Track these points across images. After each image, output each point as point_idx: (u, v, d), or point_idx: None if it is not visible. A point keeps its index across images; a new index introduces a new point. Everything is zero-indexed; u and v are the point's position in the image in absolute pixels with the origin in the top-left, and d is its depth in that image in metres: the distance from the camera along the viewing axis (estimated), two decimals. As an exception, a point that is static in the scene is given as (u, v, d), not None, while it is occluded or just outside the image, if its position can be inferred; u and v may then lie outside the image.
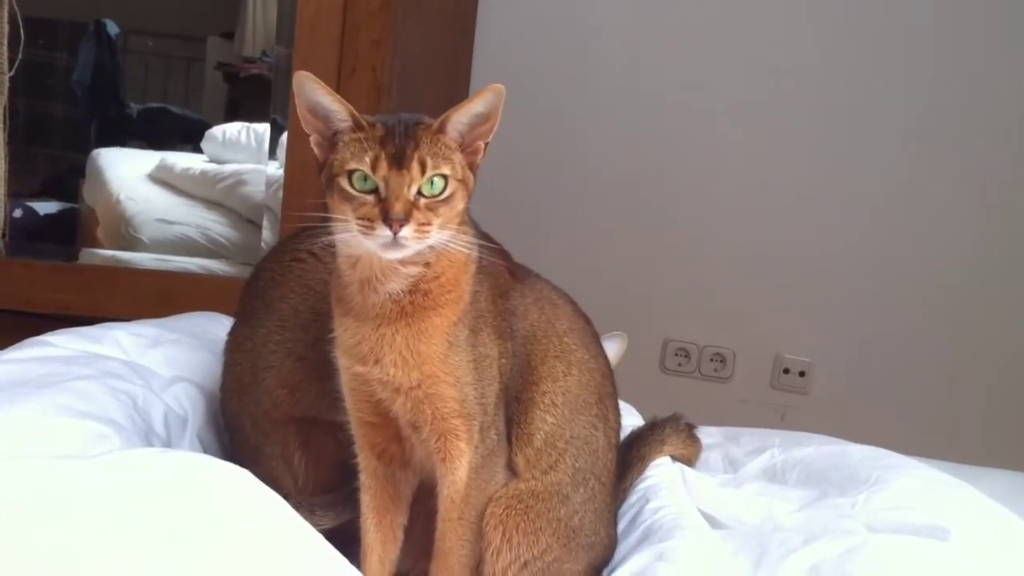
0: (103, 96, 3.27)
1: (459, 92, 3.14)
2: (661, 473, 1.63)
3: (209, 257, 2.93)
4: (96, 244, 3.07)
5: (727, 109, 3.24)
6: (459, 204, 1.23)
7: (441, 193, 1.20)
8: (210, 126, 3.18)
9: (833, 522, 1.50)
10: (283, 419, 1.53)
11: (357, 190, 1.19)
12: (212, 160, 3.12)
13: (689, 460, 1.76)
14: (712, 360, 3.32)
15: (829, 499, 1.59)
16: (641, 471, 1.64)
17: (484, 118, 1.24)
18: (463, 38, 3.24)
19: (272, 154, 2.82)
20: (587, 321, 1.52)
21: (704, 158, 3.27)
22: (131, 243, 2.96)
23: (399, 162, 1.18)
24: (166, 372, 1.67)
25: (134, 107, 3.31)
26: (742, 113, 3.24)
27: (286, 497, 1.21)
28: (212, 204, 3.07)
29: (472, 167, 1.26)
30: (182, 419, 1.58)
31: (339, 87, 2.49)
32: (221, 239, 2.98)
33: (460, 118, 1.23)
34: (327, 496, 1.49)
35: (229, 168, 3.06)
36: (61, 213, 3.22)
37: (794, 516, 1.56)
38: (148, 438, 1.46)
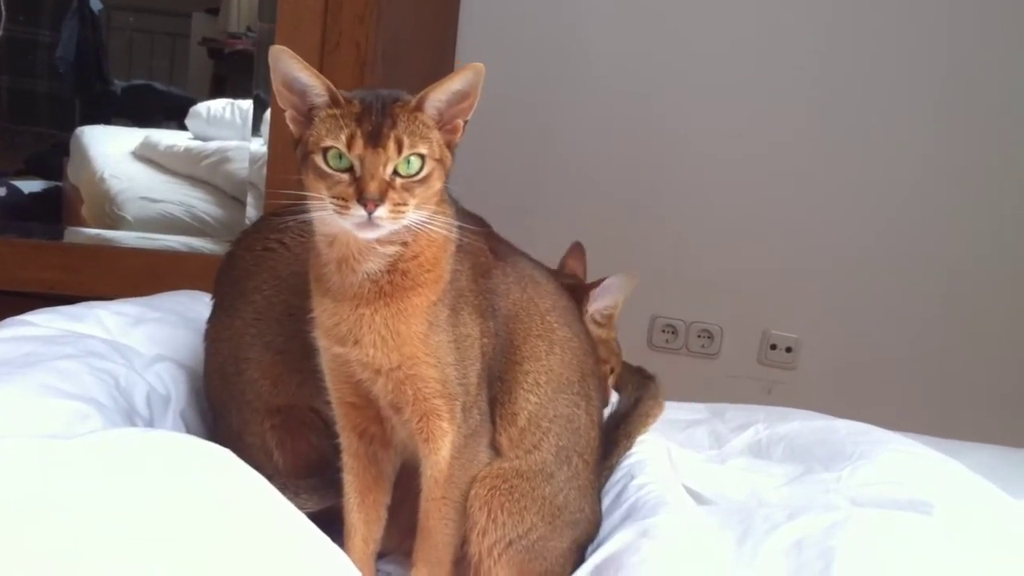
0: (87, 73, 3.24)
1: (444, 67, 3.12)
2: (646, 450, 1.63)
3: (193, 235, 2.91)
4: (81, 223, 3.04)
5: (714, 88, 3.23)
6: (436, 184, 1.21)
7: (418, 173, 1.18)
8: (195, 103, 3.15)
9: (817, 497, 1.51)
10: (263, 409, 1.53)
11: (332, 168, 1.17)
12: (197, 137, 3.10)
13: None
14: (699, 336, 3.33)
15: (814, 474, 1.59)
16: (627, 448, 1.65)
17: (463, 96, 1.22)
18: (448, 13, 3.22)
19: (256, 130, 2.80)
20: (569, 299, 1.51)
21: (691, 135, 3.26)
22: (115, 221, 2.94)
23: (375, 140, 1.16)
24: (149, 351, 1.67)
25: (118, 84, 3.28)
26: (729, 92, 3.22)
27: (270, 479, 1.21)
28: (197, 181, 3.05)
29: (450, 145, 1.24)
30: (164, 398, 1.58)
31: (322, 62, 2.47)
32: (206, 216, 2.96)
33: (439, 96, 1.21)
34: (311, 480, 1.49)
35: (213, 145, 3.04)
36: (46, 192, 3.20)
37: (779, 491, 1.56)
38: (130, 417, 1.46)
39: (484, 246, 1.39)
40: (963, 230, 3.22)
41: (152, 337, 1.72)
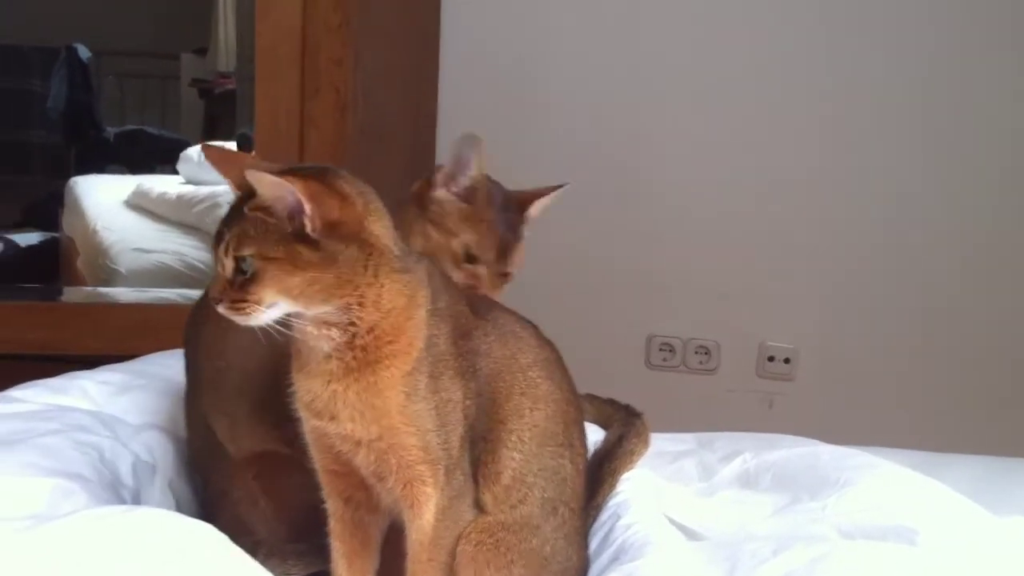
0: (79, 122, 3.27)
1: (426, 107, 3.10)
2: (632, 488, 1.63)
3: (187, 285, 2.91)
4: (77, 275, 3.07)
5: (707, 103, 3.22)
6: (282, 281, 1.16)
7: (246, 272, 1.16)
8: (189, 145, 3.18)
9: (804, 527, 1.51)
10: (242, 461, 1.53)
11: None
12: (188, 181, 3.12)
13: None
14: (697, 353, 3.31)
15: (800, 503, 1.59)
16: (612, 486, 1.64)
17: (286, 203, 1.16)
18: (427, 50, 3.20)
19: (243, 172, 2.81)
20: (552, 349, 1.50)
21: (683, 149, 3.26)
22: (109, 275, 2.95)
23: (219, 239, 1.19)
24: (134, 419, 1.67)
25: (111, 130, 3.31)
26: (722, 107, 3.22)
27: (258, 543, 1.22)
28: (189, 228, 3.07)
29: (344, 233, 1.18)
30: (151, 467, 1.58)
31: (303, 108, 2.48)
32: (198, 264, 2.97)
33: (263, 198, 1.17)
34: (299, 545, 1.49)
35: (204, 190, 3.06)
36: (42, 244, 3.22)
37: (766, 522, 1.56)
38: (116, 490, 1.46)
39: (464, 307, 1.39)
40: (962, 239, 3.21)
41: (138, 405, 1.72)
